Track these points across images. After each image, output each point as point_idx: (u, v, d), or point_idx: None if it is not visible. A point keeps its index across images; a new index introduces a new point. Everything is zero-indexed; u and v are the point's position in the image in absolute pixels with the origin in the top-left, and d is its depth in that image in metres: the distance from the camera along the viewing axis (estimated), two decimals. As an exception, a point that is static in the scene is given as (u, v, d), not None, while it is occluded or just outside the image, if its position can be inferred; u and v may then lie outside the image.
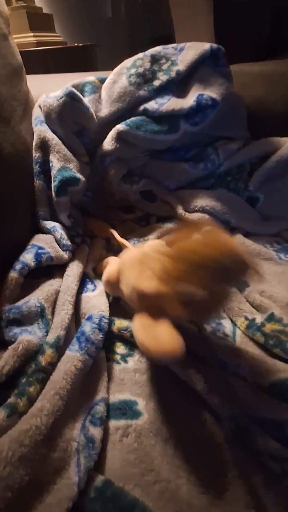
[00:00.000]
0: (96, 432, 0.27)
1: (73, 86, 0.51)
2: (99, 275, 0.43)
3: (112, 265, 0.39)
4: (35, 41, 0.96)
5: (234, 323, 0.37)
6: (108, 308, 0.37)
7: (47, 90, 0.53)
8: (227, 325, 0.37)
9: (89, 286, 0.40)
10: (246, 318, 0.36)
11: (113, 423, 0.28)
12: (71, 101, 0.46)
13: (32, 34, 0.97)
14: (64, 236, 0.42)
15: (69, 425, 0.26)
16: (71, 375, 0.28)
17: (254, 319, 0.36)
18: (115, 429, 0.28)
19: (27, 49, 0.89)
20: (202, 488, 0.25)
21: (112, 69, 0.55)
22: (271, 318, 0.36)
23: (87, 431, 0.26)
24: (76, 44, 1.02)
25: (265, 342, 0.33)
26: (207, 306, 0.28)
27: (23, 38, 0.96)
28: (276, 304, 0.38)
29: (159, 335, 0.27)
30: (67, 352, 0.30)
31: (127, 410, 0.29)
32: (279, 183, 0.51)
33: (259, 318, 0.36)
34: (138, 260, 0.34)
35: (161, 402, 0.30)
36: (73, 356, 0.30)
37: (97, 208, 0.56)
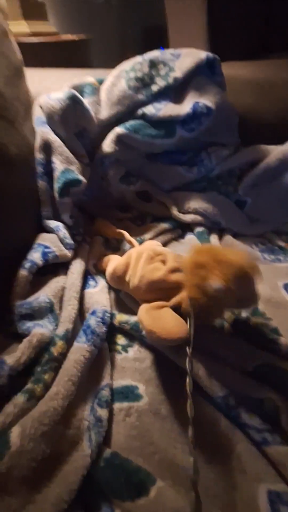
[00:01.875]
0: (103, 413, 0.30)
1: (73, 87, 0.52)
2: (99, 272, 0.46)
3: (115, 260, 0.42)
4: (29, 31, 0.93)
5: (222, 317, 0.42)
6: (109, 303, 0.41)
7: (46, 87, 0.54)
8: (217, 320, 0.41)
9: (91, 282, 0.43)
10: (233, 312, 0.41)
11: (117, 405, 0.32)
12: (73, 104, 0.48)
13: (25, 22, 0.94)
14: (67, 235, 0.44)
15: (81, 406, 0.30)
16: (81, 364, 0.31)
17: (240, 313, 0.40)
18: (119, 410, 0.32)
19: (20, 39, 0.87)
20: (196, 454, 0.29)
21: (105, 62, 0.56)
22: (255, 312, 0.40)
23: (96, 412, 0.30)
24: (70, 36, 1.00)
25: (249, 334, 0.38)
26: (219, 306, 0.32)
27: (16, 26, 0.93)
28: (259, 300, 0.43)
29: (166, 322, 0.31)
30: (75, 343, 0.33)
31: (129, 394, 0.33)
32: (265, 188, 0.55)
33: (244, 312, 0.40)
34: (145, 255, 0.38)
35: (159, 386, 0.34)
36: (81, 347, 0.33)
37: (95, 207, 0.58)
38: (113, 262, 0.42)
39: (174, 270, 0.37)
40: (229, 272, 0.30)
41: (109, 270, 0.42)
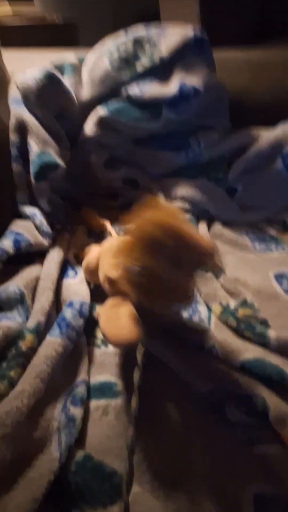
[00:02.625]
0: (76, 411, 0.28)
1: (53, 66, 0.49)
2: (81, 262, 0.43)
3: (92, 252, 0.39)
4: (11, 13, 0.89)
5: (209, 309, 0.39)
6: (89, 295, 0.38)
7: (24, 68, 0.51)
8: (202, 311, 0.39)
9: (70, 272, 0.41)
10: (221, 304, 0.39)
11: (93, 403, 0.30)
12: (51, 82, 0.45)
13: (8, 3, 0.90)
14: (44, 222, 0.42)
15: (50, 405, 0.27)
16: (52, 359, 0.29)
17: (228, 305, 0.38)
18: (96, 408, 0.29)
19: (3, 20, 0.83)
20: (176, 456, 0.27)
21: (94, 46, 0.53)
22: (244, 303, 0.38)
23: (68, 411, 0.28)
24: (56, 21, 0.96)
25: (237, 326, 0.36)
26: (165, 292, 0.27)
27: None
28: (249, 291, 0.40)
29: (117, 323, 0.28)
30: (48, 337, 0.31)
31: (106, 390, 0.31)
32: (256, 175, 0.52)
33: (232, 304, 0.38)
34: (114, 248, 0.34)
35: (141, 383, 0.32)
36: (53, 341, 0.30)
37: (81, 195, 0.55)
38: (89, 254, 0.39)
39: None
40: (137, 246, 0.25)
41: (83, 264, 0.39)
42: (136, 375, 0.26)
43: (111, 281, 0.32)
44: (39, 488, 0.22)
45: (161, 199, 0.52)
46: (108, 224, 0.46)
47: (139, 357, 0.27)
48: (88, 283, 0.40)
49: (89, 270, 0.37)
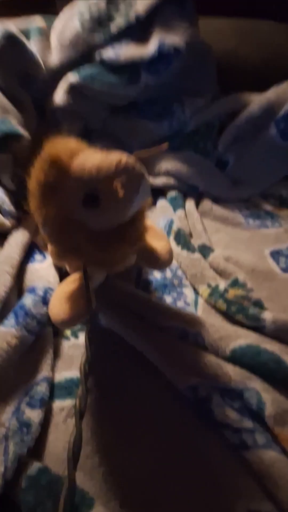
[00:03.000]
0: (34, 415, 0.23)
1: (17, 29, 0.44)
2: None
3: None
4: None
5: (196, 292, 0.34)
6: (58, 280, 0.33)
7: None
8: (188, 294, 0.34)
9: (38, 256, 0.36)
10: (209, 286, 0.34)
11: (57, 404, 0.25)
12: (10, 44, 0.39)
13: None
14: (6, 200, 0.37)
15: (-3, 409, 0.22)
16: (3, 354, 0.24)
17: (217, 286, 0.33)
18: (59, 410, 0.25)
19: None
20: (155, 467, 0.22)
21: None
22: (235, 283, 0.33)
23: (22, 415, 0.23)
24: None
25: (227, 309, 0.31)
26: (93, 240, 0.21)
27: None
28: (241, 270, 0.35)
29: (58, 301, 0.24)
30: (0, 327, 0.26)
31: (73, 388, 0.26)
32: (249, 143, 0.47)
33: (222, 284, 0.33)
34: None
35: (113, 378, 0.27)
36: (6, 331, 0.26)
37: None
38: None
39: None
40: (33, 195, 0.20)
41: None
42: (82, 359, 0.21)
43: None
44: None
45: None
46: None
47: (86, 338, 0.22)
48: (60, 269, 0.35)
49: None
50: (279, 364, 0.25)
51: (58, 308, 0.23)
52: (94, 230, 0.21)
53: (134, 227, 0.22)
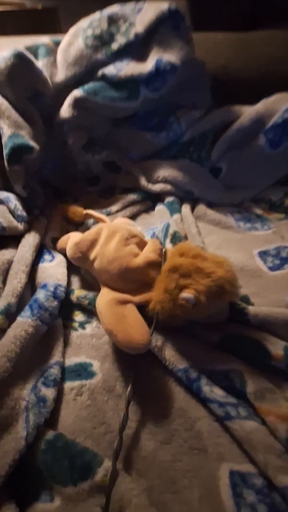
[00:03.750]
0: (48, 392, 0.27)
1: (26, 48, 0.48)
2: (58, 251, 0.42)
3: (76, 237, 0.38)
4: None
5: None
6: (66, 278, 0.37)
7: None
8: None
9: (47, 256, 0.40)
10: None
11: (67, 384, 0.29)
12: (21, 63, 0.43)
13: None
14: (19, 206, 0.40)
15: (18, 385, 0.26)
16: (21, 339, 0.28)
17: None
18: (70, 389, 0.29)
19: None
20: (150, 435, 0.26)
21: None
22: (224, 280, 0.37)
23: (39, 392, 0.27)
24: (36, 6, 0.94)
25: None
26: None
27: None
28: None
29: (129, 326, 0.28)
30: (18, 318, 0.30)
31: (82, 371, 0.30)
32: (240, 152, 0.51)
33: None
34: (119, 235, 0.34)
35: (115, 362, 0.31)
36: (24, 321, 0.29)
37: (59, 180, 0.54)
38: (77, 235, 0.38)
39: (152, 263, 0.33)
40: (205, 285, 0.27)
41: (71, 243, 0.37)
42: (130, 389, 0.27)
43: (129, 271, 0.32)
44: (3, 466, 0.22)
45: (144, 181, 0.50)
46: (91, 211, 0.45)
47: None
48: (65, 267, 0.39)
49: (79, 251, 0.36)
50: (259, 349, 0.29)
51: (125, 335, 0.28)
52: None
53: None
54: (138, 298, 0.32)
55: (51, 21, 0.92)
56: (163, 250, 0.34)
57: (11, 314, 0.31)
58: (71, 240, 0.38)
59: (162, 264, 0.32)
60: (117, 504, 0.21)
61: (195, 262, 0.28)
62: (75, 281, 0.39)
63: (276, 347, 0.28)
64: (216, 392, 0.27)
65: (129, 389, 0.27)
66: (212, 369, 0.29)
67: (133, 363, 0.30)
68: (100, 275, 0.34)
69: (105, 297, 0.32)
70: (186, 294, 0.27)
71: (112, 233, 0.35)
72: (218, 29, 0.61)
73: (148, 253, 0.34)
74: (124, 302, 0.31)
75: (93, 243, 0.36)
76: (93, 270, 0.35)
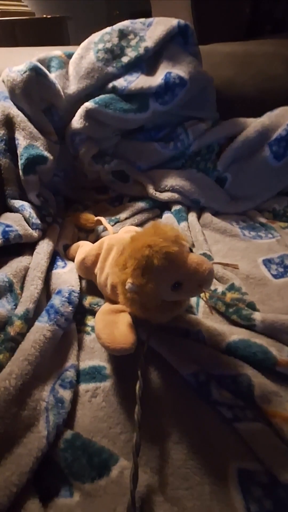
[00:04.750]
0: (66, 394, 0.29)
1: (39, 61, 0.50)
2: (69, 259, 0.43)
3: (85, 247, 0.40)
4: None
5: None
6: (79, 284, 0.39)
7: (11, 64, 0.51)
8: (192, 298, 0.40)
9: (60, 263, 0.41)
10: (209, 289, 0.39)
11: (83, 386, 0.31)
12: (36, 76, 0.45)
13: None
14: (34, 215, 0.42)
15: (39, 387, 0.28)
16: (40, 343, 0.29)
17: (216, 289, 0.39)
18: (85, 391, 0.30)
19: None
20: (163, 435, 0.28)
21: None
22: (231, 287, 0.38)
23: (57, 393, 0.28)
24: (44, 16, 0.96)
25: (225, 311, 0.36)
26: (159, 308, 0.28)
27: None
28: (237, 276, 0.41)
29: (115, 330, 0.29)
30: (37, 323, 0.31)
31: (96, 374, 0.32)
32: (245, 164, 0.53)
33: (220, 288, 0.39)
34: (115, 249, 0.35)
35: (128, 366, 0.32)
36: (42, 326, 0.31)
37: (70, 188, 0.56)
38: (83, 250, 0.40)
39: None
40: (135, 266, 0.26)
41: (78, 258, 0.39)
42: (137, 387, 0.28)
43: (113, 288, 0.33)
44: (27, 463, 0.23)
45: (151, 190, 0.52)
46: (102, 219, 0.46)
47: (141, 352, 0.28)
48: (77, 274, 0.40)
49: (84, 267, 0.38)
50: (266, 354, 0.30)
51: (110, 337, 0.28)
52: (164, 300, 0.28)
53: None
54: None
55: (59, 30, 0.95)
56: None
57: (29, 319, 0.32)
58: (79, 253, 0.40)
59: None
60: (138, 501, 0.22)
61: (133, 248, 0.27)
62: (87, 287, 0.41)
63: (281, 353, 0.30)
64: (224, 396, 0.29)
65: (137, 386, 0.28)
66: (220, 373, 0.31)
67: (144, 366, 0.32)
68: (101, 290, 0.36)
69: (102, 309, 0.33)
70: (127, 285, 0.27)
71: (110, 247, 0.36)
72: (220, 40, 0.63)
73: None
74: (119, 312, 0.32)
75: (96, 257, 0.37)
76: (97, 285, 0.37)
